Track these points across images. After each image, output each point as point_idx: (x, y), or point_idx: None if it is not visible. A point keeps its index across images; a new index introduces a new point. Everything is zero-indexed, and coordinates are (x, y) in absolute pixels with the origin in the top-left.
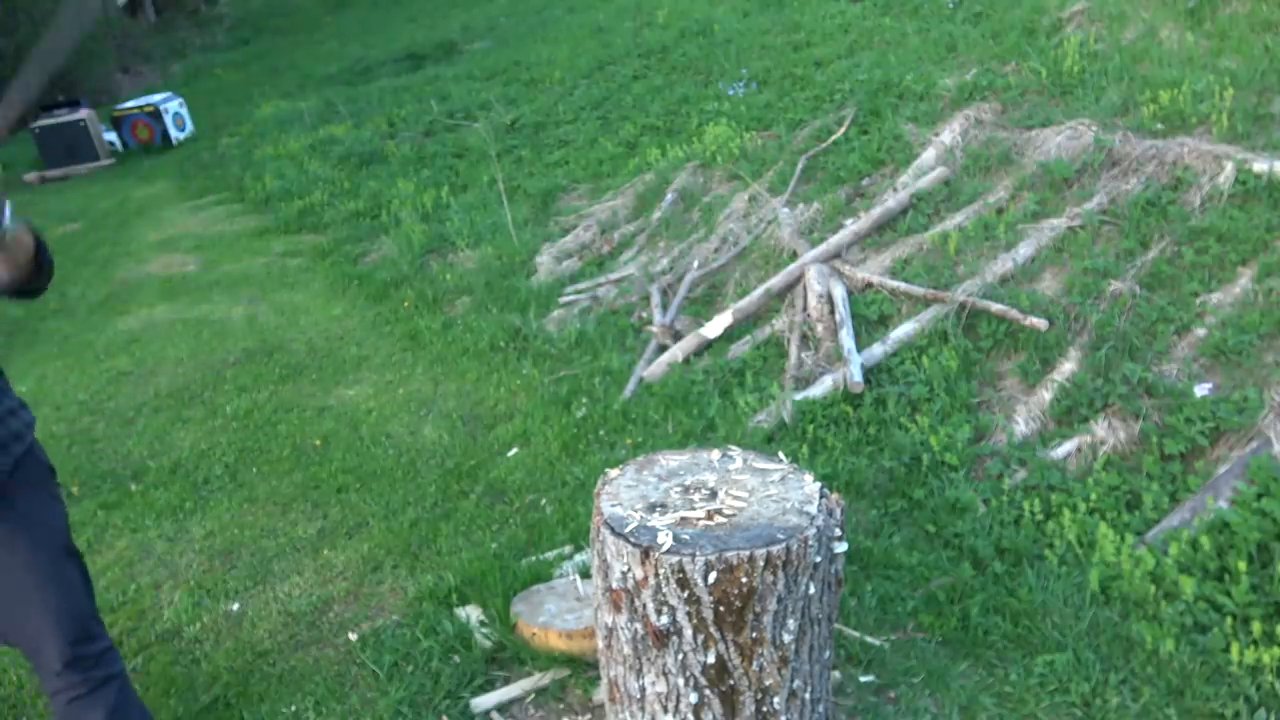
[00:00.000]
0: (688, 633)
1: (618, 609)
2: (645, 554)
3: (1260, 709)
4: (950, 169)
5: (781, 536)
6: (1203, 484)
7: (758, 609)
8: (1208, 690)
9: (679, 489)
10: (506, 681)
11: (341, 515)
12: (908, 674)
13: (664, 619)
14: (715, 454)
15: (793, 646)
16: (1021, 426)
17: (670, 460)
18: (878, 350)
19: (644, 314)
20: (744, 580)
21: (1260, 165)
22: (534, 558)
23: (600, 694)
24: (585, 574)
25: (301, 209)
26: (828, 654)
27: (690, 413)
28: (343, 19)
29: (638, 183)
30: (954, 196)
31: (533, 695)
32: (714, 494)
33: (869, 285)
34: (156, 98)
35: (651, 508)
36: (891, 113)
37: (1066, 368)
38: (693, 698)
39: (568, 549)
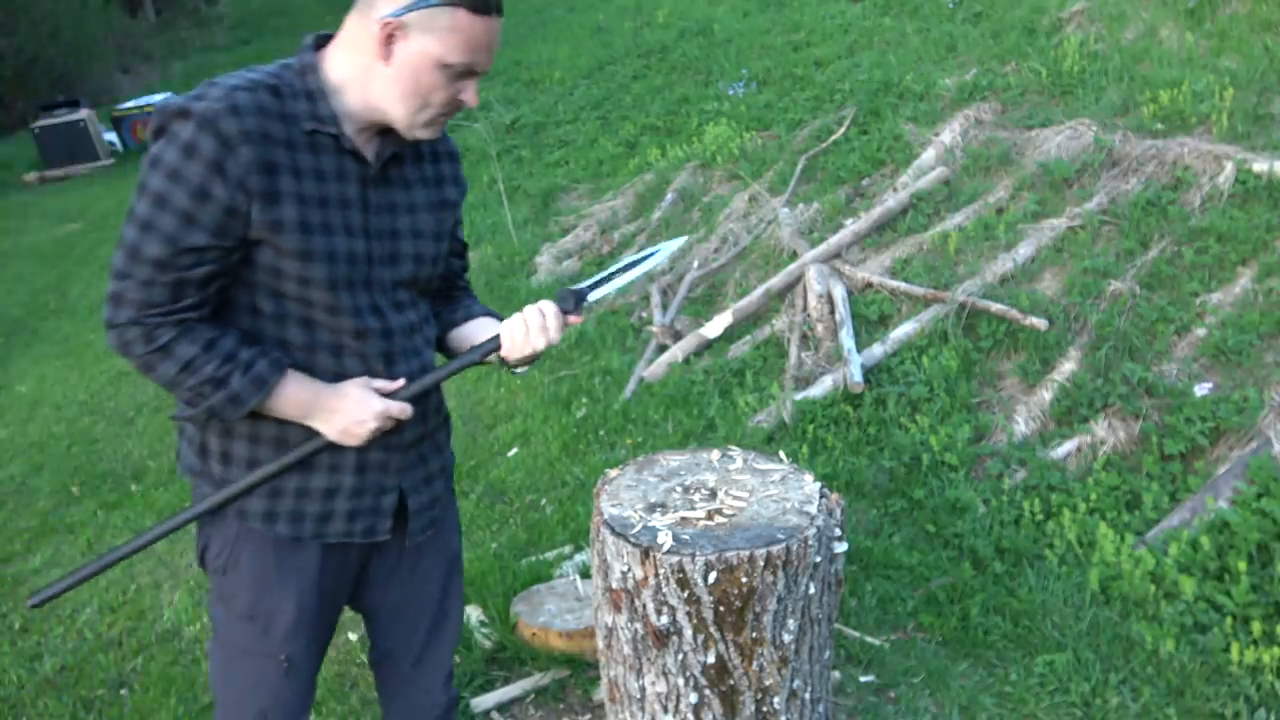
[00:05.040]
0: (688, 633)
1: (618, 609)
2: (645, 554)
3: (1260, 709)
4: (950, 169)
5: (781, 536)
6: (1203, 484)
7: (758, 609)
8: (1208, 690)
9: (679, 489)
10: (506, 681)
11: None
12: (908, 674)
13: (664, 619)
14: (715, 454)
15: (793, 646)
16: (1021, 426)
17: (670, 460)
18: (878, 350)
19: (644, 314)
20: (744, 580)
21: (1260, 165)
22: (534, 558)
23: (600, 694)
24: (585, 574)
25: None
26: (828, 654)
27: (690, 413)
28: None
29: (638, 183)
30: (954, 196)
31: (533, 695)
32: (714, 494)
33: (869, 285)
34: (156, 98)
35: (651, 508)
36: (891, 113)
37: (1066, 368)
38: (693, 698)
39: (568, 549)
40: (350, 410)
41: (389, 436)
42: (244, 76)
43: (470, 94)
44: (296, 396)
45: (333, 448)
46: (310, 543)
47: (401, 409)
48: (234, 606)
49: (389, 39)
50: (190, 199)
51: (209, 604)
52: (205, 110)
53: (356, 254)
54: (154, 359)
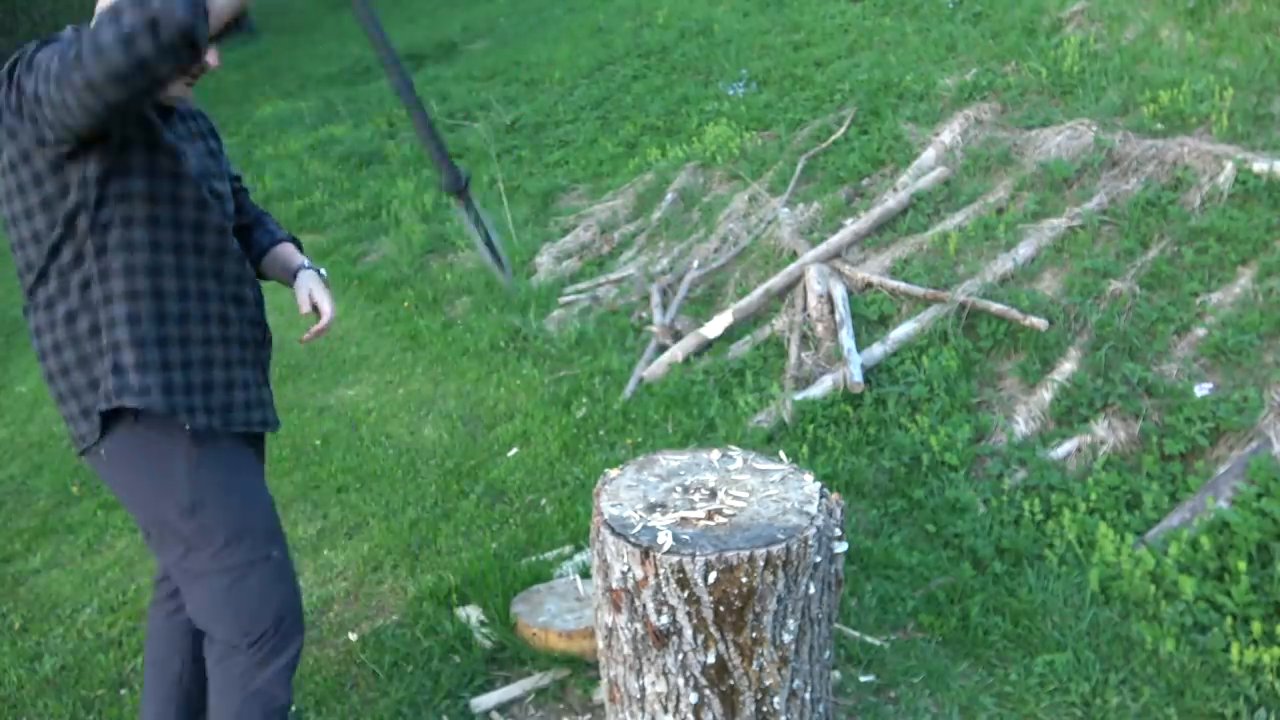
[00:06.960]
0: (688, 633)
1: (618, 609)
2: (645, 554)
3: (1260, 709)
4: (950, 169)
5: (781, 536)
6: (1203, 484)
7: (758, 609)
8: (1208, 690)
9: (679, 489)
10: (506, 681)
11: (341, 515)
12: (908, 674)
13: (664, 619)
14: (715, 454)
15: (793, 646)
16: (1021, 426)
17: (670, 460)
18: (878, 350)
19: (644, 314)
20: (744, 580)
21: (1260, 165)
22: (534, 558)
23: (600, 694)
24: (585, 574)
25: (301, 209)
26: (828, 654)
27: (690, 413)
28: (343, 19)
29: (638, 183)
30: (954, 196)
31: (533, 695)
32: (714, 494)
33: (869, 285)
34: None
35: (651, 508)
36: (891, 113)
37: (1066, 368)
38: (693, 698)
39: (568, 549)
40: None
41: (256, 329)
42: None
43: (212, 56)
44: None
45: (227, 341)
46: (235, 439)
47: None
48: (215, 537)
49: None
50: None
51: (181, 564)
52: None
53: None
54: (88, 46)
